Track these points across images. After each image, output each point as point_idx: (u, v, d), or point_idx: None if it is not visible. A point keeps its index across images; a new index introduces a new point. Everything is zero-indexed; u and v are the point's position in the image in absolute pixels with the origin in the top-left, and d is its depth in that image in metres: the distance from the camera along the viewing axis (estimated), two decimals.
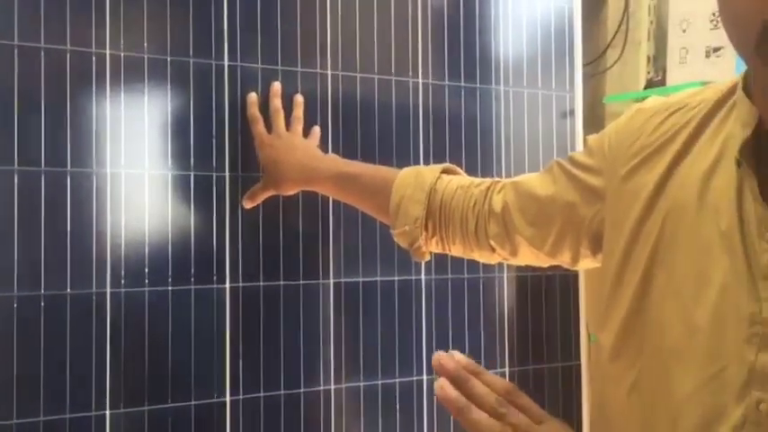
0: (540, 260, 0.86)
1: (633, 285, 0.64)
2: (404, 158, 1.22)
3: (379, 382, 1.20)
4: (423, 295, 1.24)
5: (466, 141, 1.29)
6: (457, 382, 0.59)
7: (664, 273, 0.63)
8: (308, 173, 1.07)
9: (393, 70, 1.23)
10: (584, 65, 1.57)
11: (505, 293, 1.31)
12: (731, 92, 0.63)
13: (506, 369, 1.31)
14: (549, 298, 1.36)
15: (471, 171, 1.28)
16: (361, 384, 1.18)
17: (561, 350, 1.35)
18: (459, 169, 0.99)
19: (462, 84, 1.29)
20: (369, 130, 1.20)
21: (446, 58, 1.27)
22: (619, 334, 0.65)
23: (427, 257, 0.97)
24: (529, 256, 0.87)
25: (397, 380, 1.21)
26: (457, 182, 0.93)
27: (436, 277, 1.25)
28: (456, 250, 0.94)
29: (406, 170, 0.98)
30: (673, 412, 0.59)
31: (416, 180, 0.94)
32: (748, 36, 0.48)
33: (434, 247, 0.96)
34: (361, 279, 1.19)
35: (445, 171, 0.97)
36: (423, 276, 1.24)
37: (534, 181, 0.84)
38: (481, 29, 1.30)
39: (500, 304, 1.31)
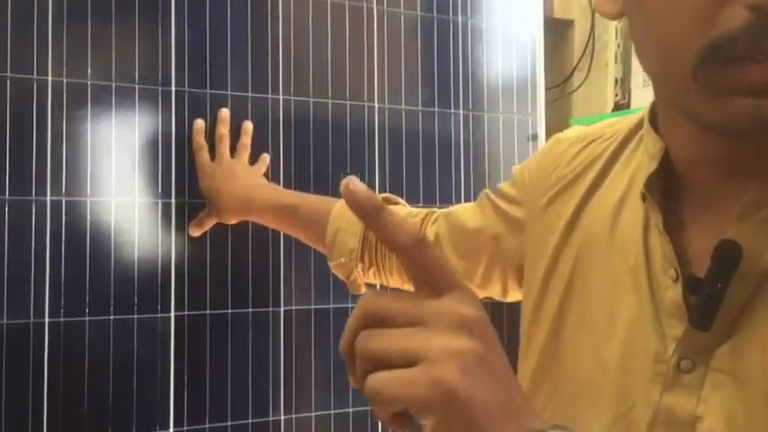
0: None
1: (548, 323, 0.63)
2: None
3: (332, 412, 1.17)
4: None
5: (423, 166, 1.27)
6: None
7: (577, 307, 0.61)
8: (245, 203, 1.06)
9: (348, 95, 1.22)
10: (550, 88, 1.56)
11: None
12: (640, 125, 0.62)
13: None
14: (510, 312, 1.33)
15: (429, 197, 1.27)
16: (313, 414, 1.16)
17: None
18: (399, 199, 0.98)
19: (420, 108, 1.27)
20: (322, 156, 1.19)
21: (403, 82, 1.26)
22: (533, 374, 0.63)
23: (363, 290, 0.96)
24: None
25: (350, 409, 1.19)
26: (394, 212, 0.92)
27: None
28: (394, 282, 0.93)
29: (344, 201, 0.96)
30: None
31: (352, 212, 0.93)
32: (684, 63, 0.46)
33: (372, 278, 0.94)
34: (313, 306, 1.18)
35: (384, 200, 0.95)
36: None
37: (465, 212, 0.83)
38: (439, 52, 1.29)
39: None
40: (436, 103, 1.29)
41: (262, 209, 1.05)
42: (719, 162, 0.52)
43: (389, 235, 0.45)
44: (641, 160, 0.59)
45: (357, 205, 0.45)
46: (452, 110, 1.30)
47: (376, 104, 1.24)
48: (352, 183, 0.45)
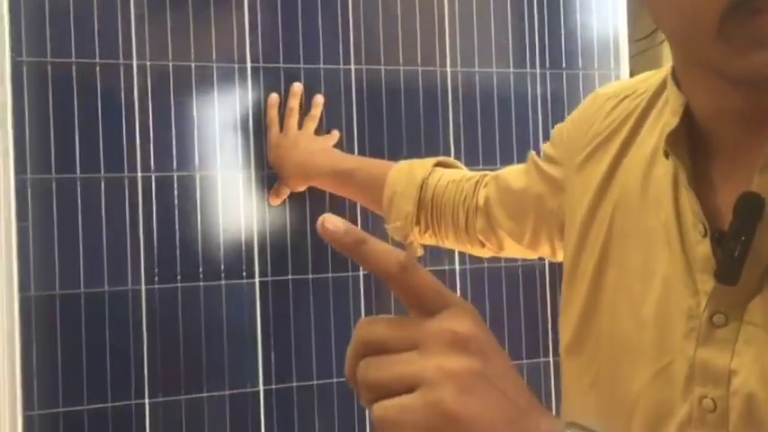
0: (525, 253, 0.85)
1: (587, 279, 0.63)
2: (434, 153, 1.21)
3: None
4: (457, 284, 1.23)
5: (500, 130, 1.27)
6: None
7: (615, 266, 0.61)
8: (305, 170, 1.09)
9: (419, 60, 1.22)
10: (638, 39, 1.50)
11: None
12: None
13: (550, 358, 1.28)
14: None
15: (506, 159, 1.26)
16: None
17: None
18: (456, 162, 0.99)
19: (494, 69, 1.26)
20: (396, 123, 1.21)
21: (475, 45, 1.25)
22: (576, 330, 0.63)
23: (420, 252, 0.98)
24: (514, 250, 0.86)
25: None
26: (449, 176, 0.93)
27: (471, 267, 1.24)
28: (450, 243, 0.94)
29: (400, 164, 0.98)
30: (627, 408, 0.58)
31: (408, 175, 0.95)
32: (707, 21, 0.46)
33: (429, 240, 0.96)
34: None
35: (439, 164, 0.96)
36: (456, 266, 1.23)
37: (512, 174, 0.83)
38: (513, 9, 1.27)
39: (541, 280, 1.28)
40: (511, 63, 1.27)
41: (319, 174, 1.09)
42: (742, 115, 0.51)
43: (373, 265, 0.45)
44: (668, 117, 0.58)
45: (336, 242, 0.44)
46: (528, 69, 1.29)
47: (449, 69, 1.24)
48: (328, 220, 0.44)
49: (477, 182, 0.89)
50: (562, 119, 1.28)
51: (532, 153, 0.80)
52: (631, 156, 0.62)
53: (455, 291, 1.23)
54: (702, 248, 0.53)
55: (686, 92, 0.55)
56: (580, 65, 1.32)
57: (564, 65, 1.31)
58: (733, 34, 0.45)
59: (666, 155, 0.55)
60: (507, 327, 1.26)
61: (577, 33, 1.32)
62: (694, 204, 0.53)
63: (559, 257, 0.79)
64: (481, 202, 0.87)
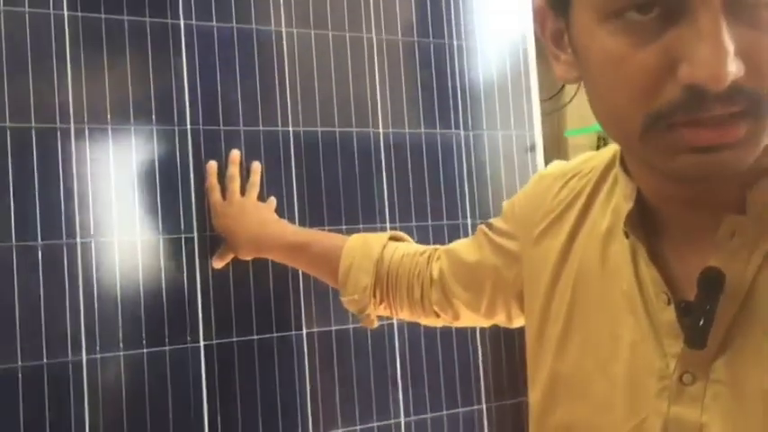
0: (480, 322, 0.91)
1: (553, 344, 0.68)
2: (369, 209, 1.26)
3: (358, 428, 1.22)
4: (396, 340, 1.26)
5: (430, 185, 1.33)
6: None
7: (580, 331, 0.66)
8: (256, 242, 1.11)
9: (354, 122, 1.27)
10: (544, 100, 1.62)
11: (477, 331, 1.34)
12: (613, 161, 0.68)
13: (483, 405, 1.33)
14: (522, 335, 1.38)
15: (437, 213, 1.32)
16: (340, 431, 1.20)
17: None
18: (405, 235, 1.04)
19: (423, 130, 1.33)
20: (333, 182, 1.24)
21: (405, 107, 1.31)
22: (546, 391, 0.68)
23: (375, 324, 1.01)
24: (469, 319, 0.91)
25: (375, 424, 1.23)
26: (402, 250, 0.98)
27: (408, 322, 1.27)
28: (404, 315, 0.98)
29: (354, 237, 1.02)
30: None
31: (363, 249, 0.98)
32: (632, 129, 0.52)
33: (383, 312, 1.00)
34: (333, 327, 1.22)
35: (392, 238, 1.01)
36: (395, 321, 1.26)
37: (463, 248, 0.89)
38: (437, 76, 1.35)
39: (473, 341, 1.34)
40: (438, 125, 1.34)
41: (273, 247, 1.10)
42: (685, 200, 0.57)
43: None
44: (619, 198, 0.65)
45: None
46: (453, 130, 1.36)
47: (381, 129, 1.29)
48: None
49: (430, 256, 0.94)
50: (485, 176, 1.37)
51: (481, 227, 0.86)
52: (586, 232, 0.69)
53: (394, 344, 1.26)
54: (667, 315, 0.58)
55: (635, 178, 0.61)
56: (498, 126, 1.40)
57: (485, 126, 1.39)
58: (655, 142, 0.51)
59: (627, 235, 0.62)
60: (443, 377, 1.30)
61: (495, 95, 1.41)
62: (656, 277, 0.59)
63: (515, 324, 0.86)
64: (435, 275, 0.92)
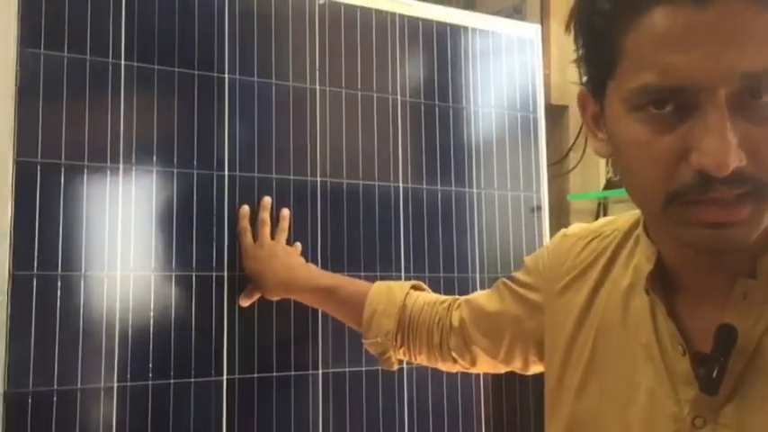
0: (497, 368, 0.98)
1: (572, 392, 0.76)
2: (386, 257, 1.34)
3: None
4: (405, 383, 1.33)
5: (443, 237, 1.41)
6: None
7: (599, 380, 0.74)
8: (286, 285, 1.18)
9: (376, 176, 1.35)
10: (550, 164, 1.72)
11: (481, 379, 1.41)
12: (635, 225, 0.77)
13: None
14: (521, 381, 1.45)
15: (448, 265, 1.40)
16: None
17: None
18: (424, 285, 1.12)
19: (439, 187, 1.42)
20: (354, 230, 1.32)
21: (424, 164, 1.41)
22: None
23: (396, 366, 1.08)
24: (486, 365, 0.99)
25: None
26: (423, 299, 1.06)
27: (417, 366, 1.34)
28: (421, 359, 1.06)
29: (379, 284, 1.10)
30: None
31: (388, 296, 1.06)
32: (654, 203, 0.61)
33: (402, 356, 1.07)
34: (347, 369, 1.29)
35: (413, 287, 1.08)
36: (404, 365, 1.33)
37: (483, 298, 0.97)
38: (455, 137, 1.44)
39: (476, 387, 1.40)
40: (453, 182, 1.43)
41: (300, 289, 1.18)
42: (701, 265, 0.66)
43: None
44: (640, 258, 0.73)
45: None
46: (466, 188, 1.45)
47: (401, 184, 1.38)
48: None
49: (450, 305, 1.02)
50: (494, 233, 1.45)
51: (503, 280, 0.94)
52: (608, 288, 0.77)
53: (402, 388, 1.32)
54: (682, 365, 0.66)
55: (655, 242, 0.70)
56: (508, 186, 1.50)
57: (495, 186, 1.48)
58: (674, 216, 0.60)
59: (647, 292, 0.70)
60: (447, 420, 1.36)
61: (506, 158, 1.50)
62: (673, 330, 0.67)
63: (531, 371, 0.93)
64: (456, 323, 0.99)
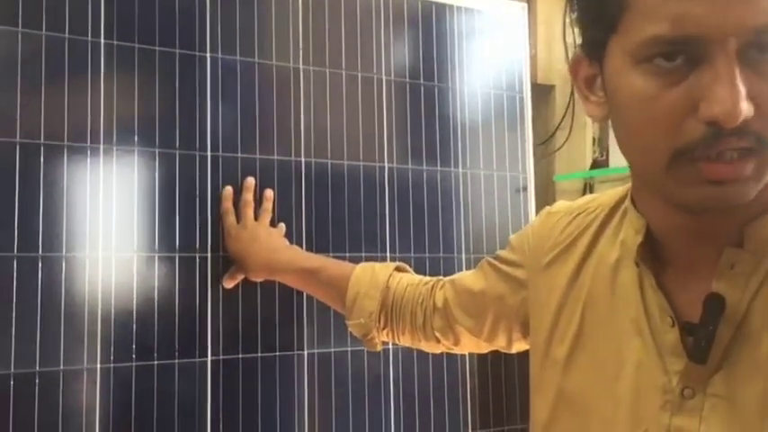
0: (480, 347, 0.98)
1: (560, 364, 0.76)
2: (371, 238, 1.33)
3: None
4: (390, 362, 1.33)
5: (429, 218, 1.40)
6: None
7: (586, 355, 0.74)
8: (268, 266, 1.17)
9: (361, 156, 1.35)
10: (535, 145, 1.72)
11: (467, 361, 1.41)
12: (622, 200, 0.77)
13: (469, 430, 1.40)
14: (507, 361, 1.46)
15: (434, 245, 1.40)
16: None
17: (520, 412, 1.45)
18: (408, 267, 1.12)
19: (424, 167, 1.41)
20: (339, 211, 1.31)
21: (409, 144, 1.40)
22: (552, 408, 0.76)
23: (380, 347, 1.08)
24: (470, 344, 0.99)
25: None
26: (407, 280, 1.06)
27: (402, 346, 1.34)
28: (405, 340, 1.06)
29: (362, 266, 1.09)
30: None
31: (371, 277, 1.06)
32: (658, 161, 0.60)
33: (385, 337, 1.07)
34: (332, 350, 1.29)
35: (397, 269, 1.08)
36: (390, 345, 1.33)
37: (467, 278, 0.97)
38: (440, 117, 1.44)
39: (461, 365, 1.41)
40: (438, 162, 1.43)
41: (284, 271, 1.17)
42: (689, 233, 0.66)
43: None
44: (627, 231, 0.73)
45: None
46: (452, 168, 1.44)
47: (386, 164, 1.37)
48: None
49: (433, 286, 1.02)
50: (479, 213, 1.45)
51: (487, 258, 0.94)
52: (594, 262, 0.77)
53: (387, 369, 1.32)
54: (671, 337, 0.67)
55: (643, 212, 0.70)
56: (494, 166, 1.49)
57: (481, 166, 1.48)
58: (678, 173, 0.60)
59: (637, 264, 0.70)
60: (433, 402, 1.37)
61: (492, 138, 1.50)
62: (662, 302, 0.67)
63: (515, 349, 0.93)
64: (439, 303, 0.99)
